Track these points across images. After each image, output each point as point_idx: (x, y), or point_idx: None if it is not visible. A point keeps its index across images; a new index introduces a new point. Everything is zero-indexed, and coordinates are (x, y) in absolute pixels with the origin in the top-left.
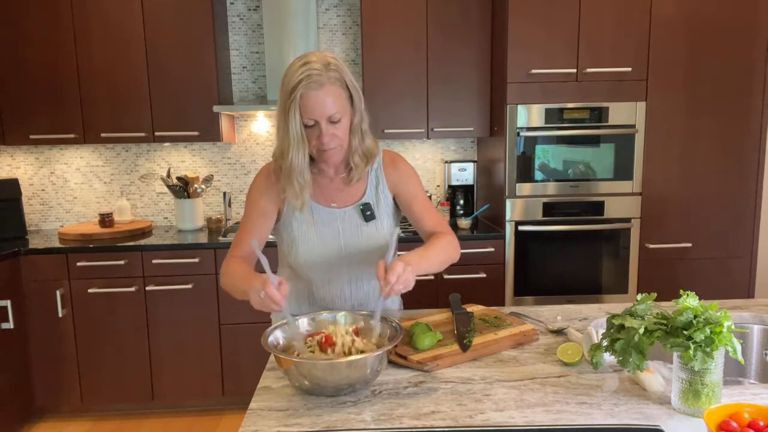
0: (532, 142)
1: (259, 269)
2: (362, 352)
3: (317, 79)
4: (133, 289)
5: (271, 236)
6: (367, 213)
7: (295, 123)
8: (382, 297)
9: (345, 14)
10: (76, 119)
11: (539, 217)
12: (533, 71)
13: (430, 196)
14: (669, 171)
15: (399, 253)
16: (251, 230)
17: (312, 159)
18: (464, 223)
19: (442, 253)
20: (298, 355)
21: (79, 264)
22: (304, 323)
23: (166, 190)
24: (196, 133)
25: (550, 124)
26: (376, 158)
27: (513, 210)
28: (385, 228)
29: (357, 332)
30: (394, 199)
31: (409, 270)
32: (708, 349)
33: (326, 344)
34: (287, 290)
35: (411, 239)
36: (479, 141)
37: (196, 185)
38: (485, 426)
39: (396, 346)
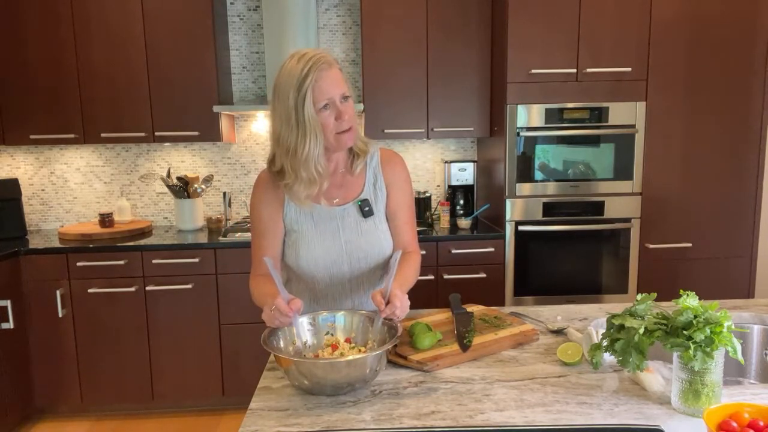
0: (532, 142)
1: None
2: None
3: (327, 60)
4: (133, 289)
5: None
6: (365, 209)
7: (309, 112)
8: (381, 317)
9: (345, 14)
10: (76, 119)
11: (539, 217)
12: (533, 71)
13: (429, 197)
14: (669, 171)
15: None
16: (262, 244)
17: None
18: (464, 223)
19: (414, 279)
20: (304, 355)
21: (79, 264)
22: (304, 323)
23: (166, 190)
24: (196, 133)
25: (550, 124)
26: (374, 155)
27: (513, 210)
28: (383, 224)
29: (349, 341)
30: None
31: (405, 297)
32: (708, 349)
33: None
34: (299, 306)
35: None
36: (479, 141)
37: (196, 185)
38: (485, 426)
39: (396, 346)
